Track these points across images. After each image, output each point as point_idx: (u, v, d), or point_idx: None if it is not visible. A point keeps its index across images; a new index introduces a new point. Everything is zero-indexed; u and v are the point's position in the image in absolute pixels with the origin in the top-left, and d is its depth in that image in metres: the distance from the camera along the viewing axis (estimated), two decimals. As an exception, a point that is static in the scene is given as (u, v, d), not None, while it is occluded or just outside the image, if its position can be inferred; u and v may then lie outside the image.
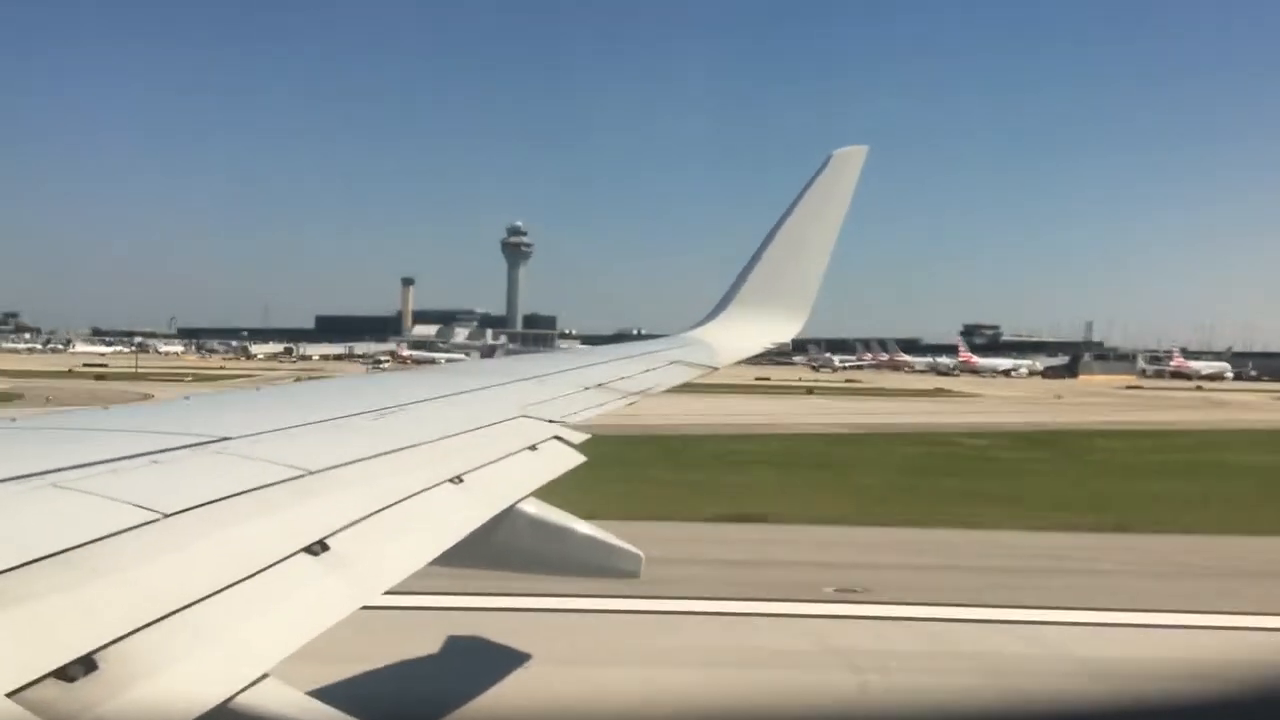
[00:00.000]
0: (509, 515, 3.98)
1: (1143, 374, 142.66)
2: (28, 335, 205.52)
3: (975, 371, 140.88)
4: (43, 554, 2.21)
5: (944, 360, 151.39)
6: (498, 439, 4.59)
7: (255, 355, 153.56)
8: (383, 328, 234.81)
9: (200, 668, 2.17)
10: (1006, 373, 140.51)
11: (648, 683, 10.77)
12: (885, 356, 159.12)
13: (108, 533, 2.41)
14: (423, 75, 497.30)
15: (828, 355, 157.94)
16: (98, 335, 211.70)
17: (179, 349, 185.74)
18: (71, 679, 1.91)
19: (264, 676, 2.24)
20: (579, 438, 5.06)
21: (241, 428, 3.70)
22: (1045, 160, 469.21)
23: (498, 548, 4.06)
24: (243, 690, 2.16)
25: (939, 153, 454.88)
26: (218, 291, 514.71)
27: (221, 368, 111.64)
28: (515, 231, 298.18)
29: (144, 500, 2.65)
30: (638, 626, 12.78)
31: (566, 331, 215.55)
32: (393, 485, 3.47)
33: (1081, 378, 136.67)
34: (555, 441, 4.86)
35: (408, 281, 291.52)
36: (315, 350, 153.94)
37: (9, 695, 1.80)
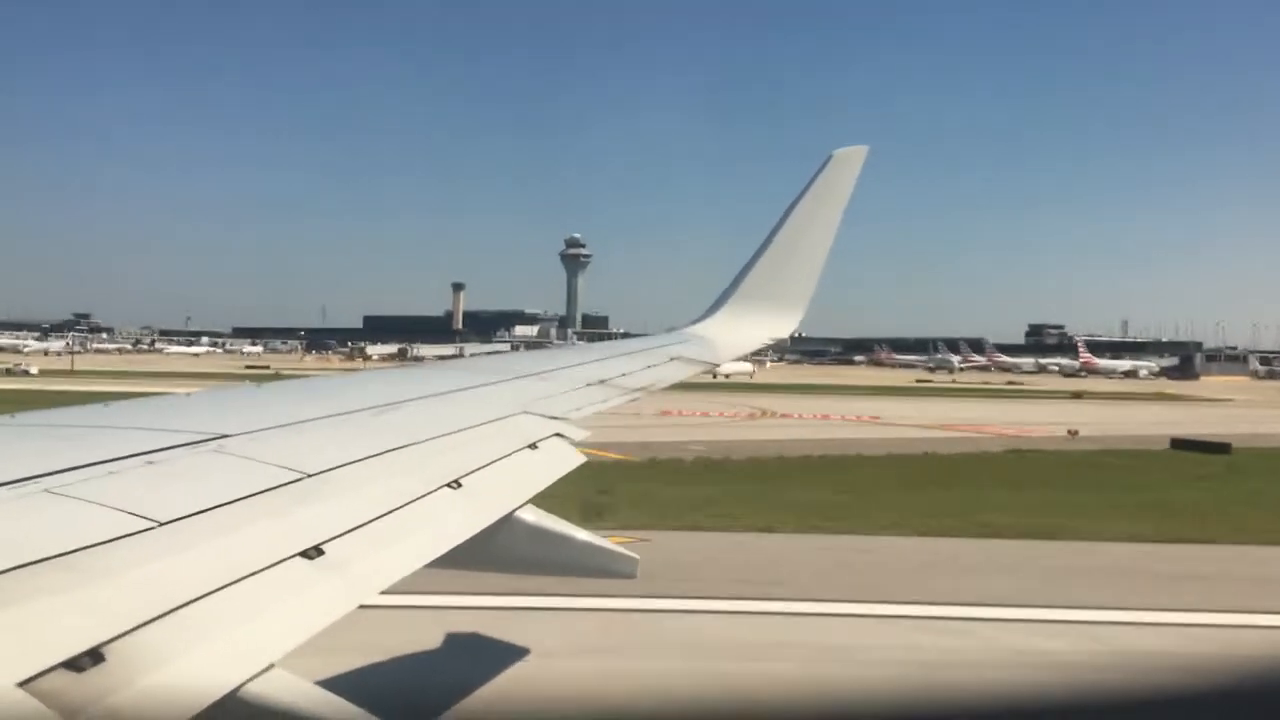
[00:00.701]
0: (506, 521, 3.98)
1: (1255, 375, 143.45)
2: (104, 335, 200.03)
3: (1096, 372, 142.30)
4: (43, 557, 2.30)
5: (1063, 362, 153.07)
6: (497, 438, 4.57)
7: (371, 356, 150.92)
8: (432, 328, 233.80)
9: (203, 663, 2.26)
10: (1128, 374, 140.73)
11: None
12: (979, 359, 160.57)
13: (103, 539, 2.48)
14: (460, 85, 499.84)
15: (942, 356, 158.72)
16: (164, 335, 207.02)
17: (258, 349, 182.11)
18: (80, 669, 2.00)
19: (270, 667, 2.33)
20: (580, 434, 5.09)
21: (239, 425, 3.71)
22: (1065, 156, 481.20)
23: (494, 552, 4.07)
24: (250, 680, 2.26)
25: (977, 151, 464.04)
26: (258, 291, 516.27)
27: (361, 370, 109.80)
28: (574, 243, 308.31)
29: (140, 505, 2.71)
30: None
31: (619, 331, 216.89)
32: (389, 489, 3.49)
33: (1202, 378, 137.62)
34: (556, 439, 4.85)
35: (458, 286, 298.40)
36: (428, 350, 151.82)
37: (20, 685, 1.88)
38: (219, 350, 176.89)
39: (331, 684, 2.56)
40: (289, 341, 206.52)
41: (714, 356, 8.41)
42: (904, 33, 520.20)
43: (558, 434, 4.89)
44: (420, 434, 4.15)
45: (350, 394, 5.15)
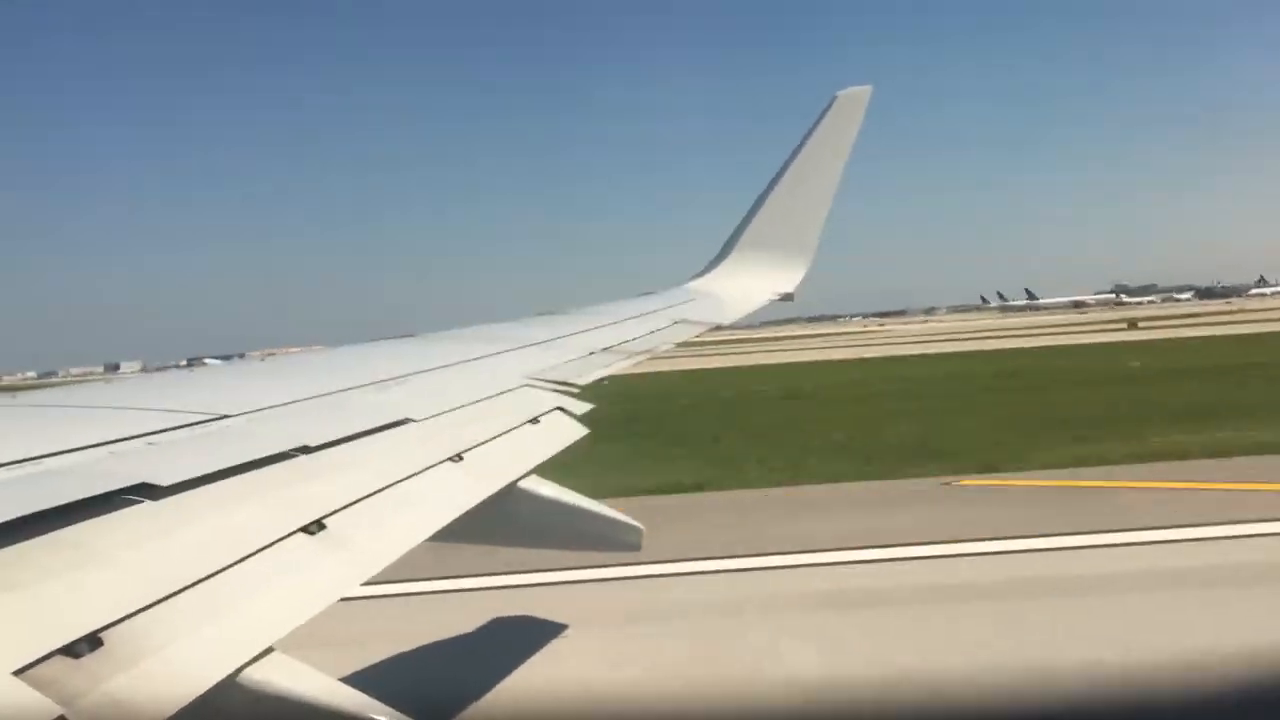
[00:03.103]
0: (509, 492, 4.03)
1: None
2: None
3: None
4: (39, 538, 2.26)
5: None
6: (500, 411, 4.66)
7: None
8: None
9: (204, 644, 2.24)
10: None
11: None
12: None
13: (104, 516, 2.46)
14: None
15: None
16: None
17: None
18: (78, 656, 1.96)
19: (269, 650, 2.33)
20: (582, 408, 5.14)
21: (240, 405, 3.74)
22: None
23: (497, 524, 4.11)
24: (249, 663, 2.25)
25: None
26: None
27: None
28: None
29: (140, 484, 2.67)
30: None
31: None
32: (391, 463, 3.52)
33: None
34: (558, 413, 4.94)
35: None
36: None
37: (15, 674, 1.84)
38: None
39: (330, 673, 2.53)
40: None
41: (719, 315, 8.30)
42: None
43: (559, 408, 5.00)
44: (422, 408, 4.22)
45: (353, 369, 5.20)
